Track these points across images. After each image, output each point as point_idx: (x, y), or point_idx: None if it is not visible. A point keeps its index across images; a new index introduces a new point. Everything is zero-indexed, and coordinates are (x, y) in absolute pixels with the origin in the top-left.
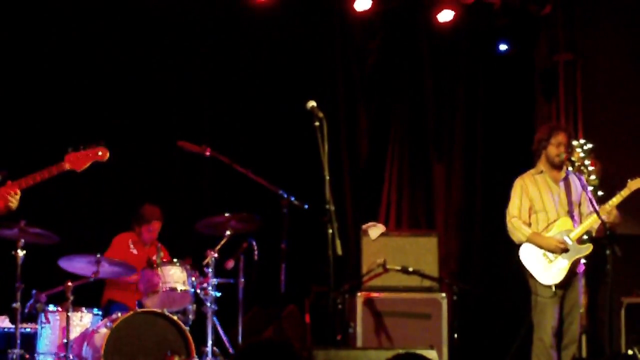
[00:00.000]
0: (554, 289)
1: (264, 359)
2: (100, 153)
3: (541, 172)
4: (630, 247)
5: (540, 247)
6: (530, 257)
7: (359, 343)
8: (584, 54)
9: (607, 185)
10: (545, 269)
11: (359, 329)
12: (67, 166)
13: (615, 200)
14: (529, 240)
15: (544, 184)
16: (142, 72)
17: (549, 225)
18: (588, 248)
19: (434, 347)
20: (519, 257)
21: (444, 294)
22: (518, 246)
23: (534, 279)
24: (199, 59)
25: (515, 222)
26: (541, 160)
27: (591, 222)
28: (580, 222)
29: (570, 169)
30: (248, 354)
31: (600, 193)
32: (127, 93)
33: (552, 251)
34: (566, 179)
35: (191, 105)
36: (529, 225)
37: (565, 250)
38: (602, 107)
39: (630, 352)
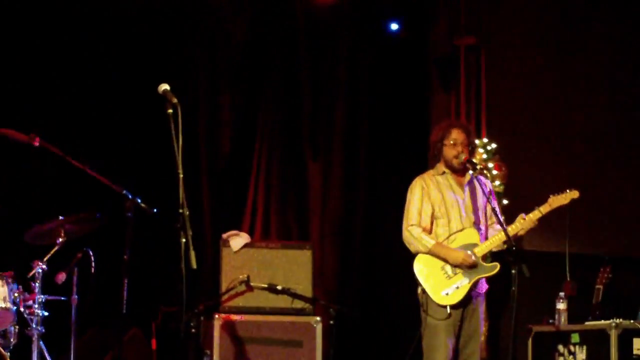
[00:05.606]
0: (449, 310)
1: None
2: None
3: (443, 173)
4: (539, 266)
5: (444, 260)
6: (425, 270)
7: None
8: (490, 39)
9: (513, 192)
10: (442, 285)
11: (215, 358)
12: None
13: (533, 216)
14: (430, 252)
15: (447, 186)
16: None
17: (451, 235)
18: (494, 267)
19: None
20: (412, 268)
21: (318, 318)
22: (412, 258)
23: (427, 295)
24: (34, 34)
25: (414, 230)
26: (441, 163)
27: (500, 238)
28: (486, 235)
29: (471, 172)
30: None
31: (505, 202)
32: None
33: (457, 266)
34: (471, 183)
35: (19, 87)
36: (430, 233)
37: (472, 266)
38: (508, 101)
39: None
